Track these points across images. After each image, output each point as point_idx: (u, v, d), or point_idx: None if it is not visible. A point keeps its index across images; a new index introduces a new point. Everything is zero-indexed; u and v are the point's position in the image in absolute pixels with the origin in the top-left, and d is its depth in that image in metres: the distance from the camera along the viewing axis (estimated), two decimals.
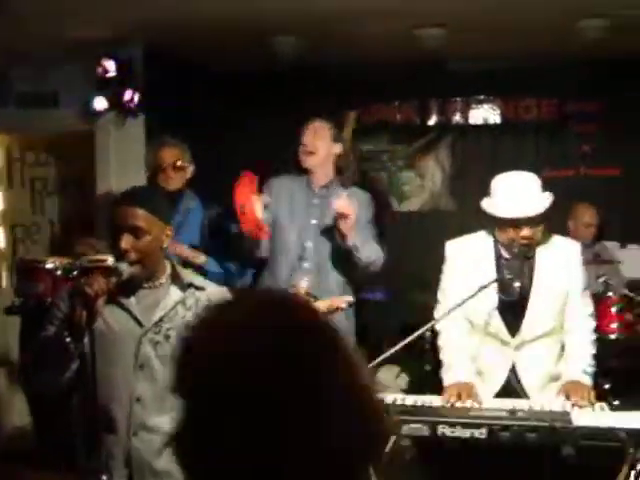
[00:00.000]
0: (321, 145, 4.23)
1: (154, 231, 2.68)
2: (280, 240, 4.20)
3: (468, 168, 6.59)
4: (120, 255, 2.62)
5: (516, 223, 3.35)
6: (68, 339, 2.42)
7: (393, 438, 2.98)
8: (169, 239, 2.78)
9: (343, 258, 4.14)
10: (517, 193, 3.38)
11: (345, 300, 3.97)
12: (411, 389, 5.66)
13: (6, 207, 6.24)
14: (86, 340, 2.42)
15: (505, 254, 3.49)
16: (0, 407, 5.91)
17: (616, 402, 4.28)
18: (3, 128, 6.03)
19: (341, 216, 3.92)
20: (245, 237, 4.04)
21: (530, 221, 3.35)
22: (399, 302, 6.11)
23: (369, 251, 4.11)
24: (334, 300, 3.92)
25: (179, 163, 4.32)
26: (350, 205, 3.93)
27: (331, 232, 4.15)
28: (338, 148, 4.29)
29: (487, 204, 3.45)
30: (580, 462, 2.88)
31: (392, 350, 3.07)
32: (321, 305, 3.01)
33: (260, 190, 4.08)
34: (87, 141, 5.74)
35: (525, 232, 3.36)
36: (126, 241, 2.62)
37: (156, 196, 2.85)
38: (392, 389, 5.64)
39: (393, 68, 6.33)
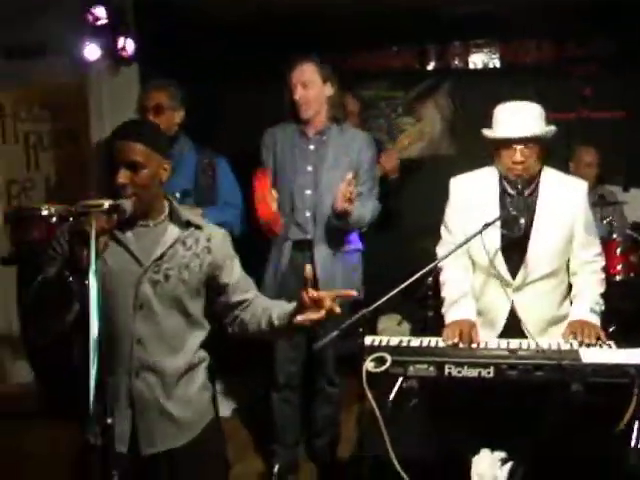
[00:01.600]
0: (313, 94, 4.10)
1: (152, 165, 2.60)
2: (280, 190, 4.13)
3: (468, 113, 6.50)
4: (118, 190, 2.54)
5: (510, 143, 3.31)
6: (70, 278, 2.35)
7: (400, 379, 2.96)
8: (167, 173, 2.70)
9: None
10: (513, 115, 3.34)
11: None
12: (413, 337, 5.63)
13: (0, 163, 6.15)
14: (88, 280, 2.35)
15: (509, 189, 3.42)
16: None
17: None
18: None
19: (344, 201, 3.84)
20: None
21: (524, 142, 3.30)
22: (398, 249, 6.05)
23: (364, 216, 4.09)
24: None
25: (160, 105, 4.20)
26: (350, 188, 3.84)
27: (328, 178, 4.09)
28: (329, 90, 4.16)
29: (487, 131, 3.42)
30: (588, 399, 2.85)
31: (395, 291, 2.99)
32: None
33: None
34: (81, 93, 5.64)
35: (518, 156, 3.31)
36: (124, 175, 2.55)
37: (154, 129, 2.76)
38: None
39: (391, 13, 6.21)
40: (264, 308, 2.73)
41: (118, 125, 2.70)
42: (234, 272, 2.80)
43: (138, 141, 2.58)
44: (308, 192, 4.12)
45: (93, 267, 2.23)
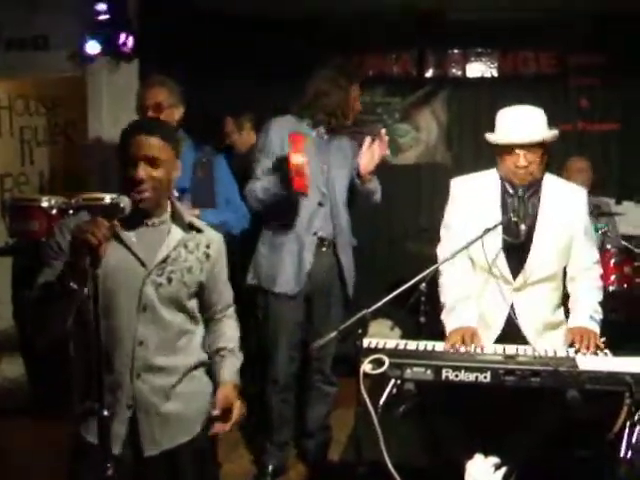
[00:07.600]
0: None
1: (169, 162, 2.57)
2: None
3: (465, 121, 6.55)
4: (132, 186, 2.50)
5: (514, 148, 3.31)
6: (74, 286, 2.30)
7: (397, 382, 2.95)
8: (177, 173, 2.67)
9: (348, 198, 4.18)
10: (517, 120, 3.35)
11: None
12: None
13: None
14: (88, 284, 2.30)
15: (510, 190, 3.43)
16: None
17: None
18: None
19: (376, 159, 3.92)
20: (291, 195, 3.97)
21: (528, 147, 3.30)
22: (394, 254, 6.06)
23: (377, 188, 4.17)
24: None
25: (160, 103, 4.12)
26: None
27: (338, 174, 4.14)
28: None
29: (490, 136, 3.42)
30: (584, 406, 2.85)
31: (391, 296, 2.98)
32: None
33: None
34: (78, 88, 5.60)
35: (521, 161, 3.31)
36: (143, 171, 2.51)
37: (171, 128, 2.74)
38: None
39: (390, 19, 6.23)
40: (218, 350, 2.82)
41: (135, 121, 2.67)
42: (221, 277, 2.82)
43: (159, 137, 2.54)
44: (324, 190, 4.13)
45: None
